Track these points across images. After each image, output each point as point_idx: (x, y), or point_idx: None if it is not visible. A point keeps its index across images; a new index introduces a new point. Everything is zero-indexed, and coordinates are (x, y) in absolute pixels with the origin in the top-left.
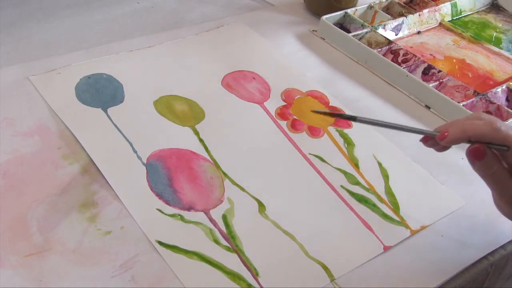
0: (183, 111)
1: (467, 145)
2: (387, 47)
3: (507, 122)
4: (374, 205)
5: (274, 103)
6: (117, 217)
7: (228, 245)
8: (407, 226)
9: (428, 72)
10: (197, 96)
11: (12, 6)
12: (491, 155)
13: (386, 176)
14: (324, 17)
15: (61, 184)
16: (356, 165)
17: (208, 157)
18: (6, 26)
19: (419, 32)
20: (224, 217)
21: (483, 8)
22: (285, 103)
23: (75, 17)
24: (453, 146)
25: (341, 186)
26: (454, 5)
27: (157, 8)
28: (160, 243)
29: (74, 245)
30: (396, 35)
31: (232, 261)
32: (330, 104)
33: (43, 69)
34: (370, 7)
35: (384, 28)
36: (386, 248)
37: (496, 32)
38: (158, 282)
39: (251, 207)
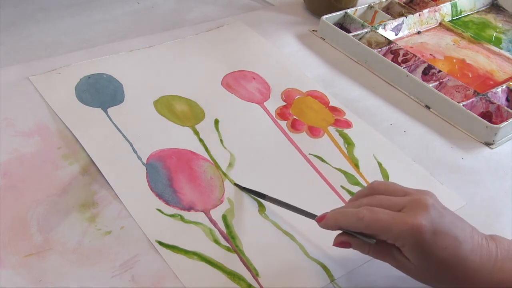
0: (183, 111)
1: (466, 146)
2: (387, 47)
3: (506, 122)
4: None
5: (274, 103)
6: (117, 217)
7: (228, 245)
8: None
9: (428, 72)
10: (197, 96)
11: (12, 6)
12: (359, 242)
13: (386, 176)
14: (324, 17)
15: (61, 184)
16: (356, 165)
17: (208, 157)
18: (6, 26)
19: (419, 32)
20: (224, 217)
21: (483, 8)
22: (285, 103)
23: (75, 17)
24: (453, 147)
25: (341, 186)
26: (454, 5)
27: (157, 8)
28: (160, 243)
29: (74, 245)
30: (396, 35)
31: (232, 261)
32: (330, 104)
33: (43, 69)
34: (370, 7)
35: (384, 28)
36: None
37: (496, 32)
38: (158, 282)
39: (251, 207)
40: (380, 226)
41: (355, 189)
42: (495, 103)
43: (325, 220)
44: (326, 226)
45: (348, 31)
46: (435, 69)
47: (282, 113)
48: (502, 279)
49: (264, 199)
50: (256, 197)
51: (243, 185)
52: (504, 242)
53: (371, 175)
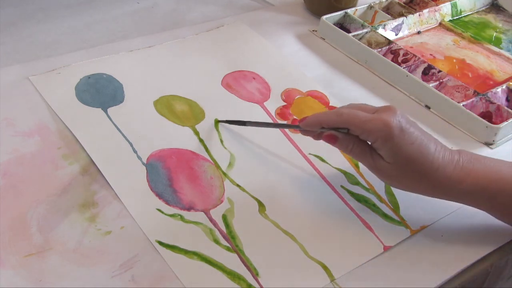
0: (183, 111)
1: (466, 146)
2: (387, 47)
3: (506, 122)
4: (374, 205)
5: (274, 103)
6: (117, 217)
7: (228, 245)
8: (407, 226)
9: (428, 72)
10: (197, 96)
11: (12, 6)
12: (344, 137)
13: None
14: (324, 17)
15: (61, 184)
16: (356, 165)
17: (208, 157)
18: (6, 26)
19: (419, 32)
20: (224, 217)
21: (483, 8)
22: (285, 103)
23: (75, 17)
24: (453, 147)
25: (341, 186)
26: (454, 5)
27: (157, 8)
28: (160, 243)
29: (74, 245)
30: (396, 35)
31: (232, 261)
32: (330, 104)
33: (43, 69)
34: (370, 7)
35: (384, 28)
36: (386, 248)
37: (496, 32)
38: (158, 282)
39: (251, 207)
40: (357, 121)
41: (355, 189)
42: (495, 103)
43: (307, 119)
44: (308, 124)
45: (348, 31)
46: (435, 69)
47: (282, 113)
48: (463, 176)
49: (245, 125)
50: (237, 125)
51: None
52: (466, 152)
53: (371, 175)
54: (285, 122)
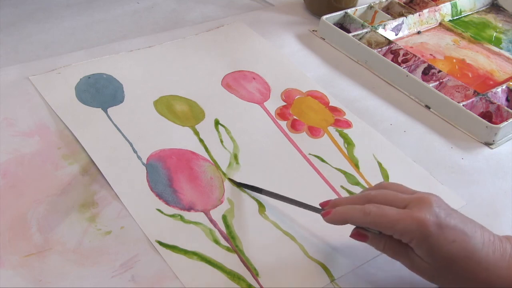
0: (183, 111)
1: (466, 146)
2: (387, 47)
3: (506, 122)
4: None
5: (274, 103)
6: (117, 217)
7: (228, 245)
8: None
9: (428, 72)
10: (197, 96)
11: (12, 6)
12: (375, 236)
13: (386, 177)
14: (324, 17)
15: (61, 184)
16: (356, 165)
17: (208, 157)
18: (6, 26)
19: (419, 32)
20: (224, 218)
21: (483, 8)
22: (285, 103)
23: (75, 17)
24: (453, 147)
25: (341, 186)
26: (454, 5)
27: (157, 8)
28: (160, 243)
29: (74, 245)
30: (396, 35)
31: (232, 261)
32: (330, 104)
33: (43, 69)
34: (370, 7)
35: (384, 28)
36: None
37: (496, 32)
38: (158, 282)
39: (251, 207)
40: (386, 221)
41: (355, 189)
42: (495, 103)
43: (331, 214)
44: (332, 221)
45: (348, 31)
46: (435, 69)
47: (282, 113)
48: None
49: (261, 193)
50: (253, 192)
51: (239, 181)
52: None
53: (371, 175)
54: (293, 197)
